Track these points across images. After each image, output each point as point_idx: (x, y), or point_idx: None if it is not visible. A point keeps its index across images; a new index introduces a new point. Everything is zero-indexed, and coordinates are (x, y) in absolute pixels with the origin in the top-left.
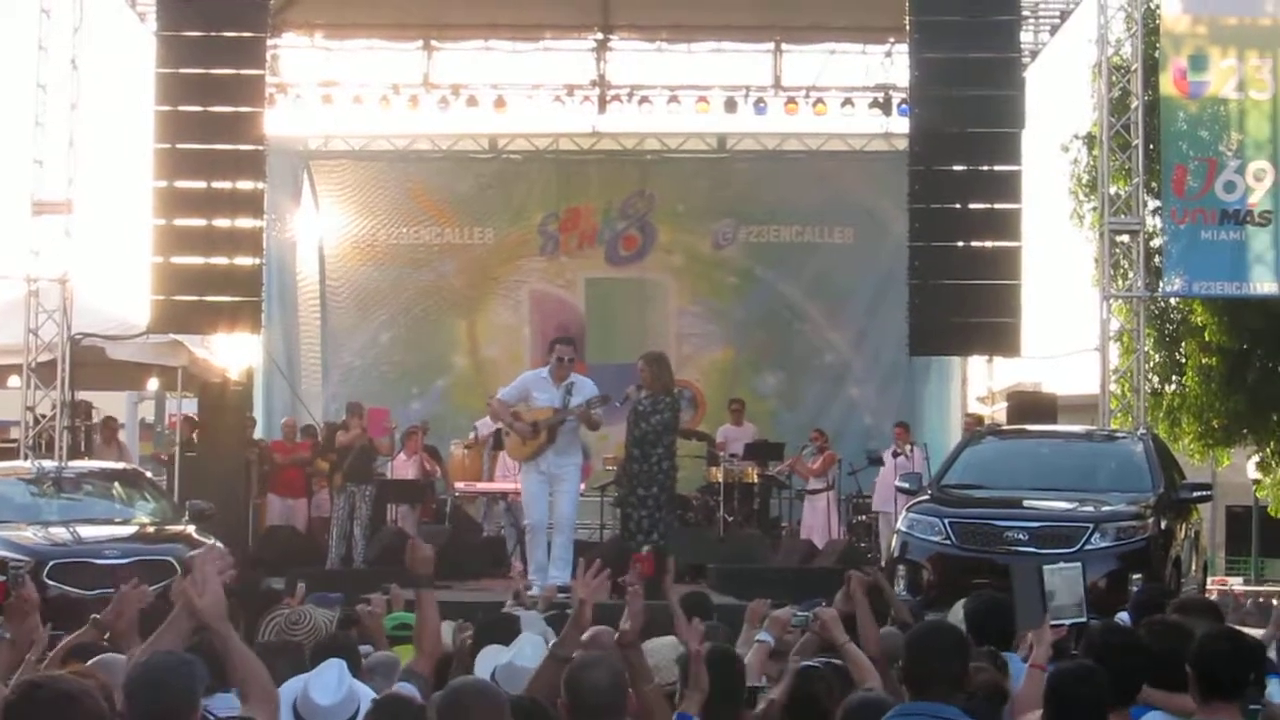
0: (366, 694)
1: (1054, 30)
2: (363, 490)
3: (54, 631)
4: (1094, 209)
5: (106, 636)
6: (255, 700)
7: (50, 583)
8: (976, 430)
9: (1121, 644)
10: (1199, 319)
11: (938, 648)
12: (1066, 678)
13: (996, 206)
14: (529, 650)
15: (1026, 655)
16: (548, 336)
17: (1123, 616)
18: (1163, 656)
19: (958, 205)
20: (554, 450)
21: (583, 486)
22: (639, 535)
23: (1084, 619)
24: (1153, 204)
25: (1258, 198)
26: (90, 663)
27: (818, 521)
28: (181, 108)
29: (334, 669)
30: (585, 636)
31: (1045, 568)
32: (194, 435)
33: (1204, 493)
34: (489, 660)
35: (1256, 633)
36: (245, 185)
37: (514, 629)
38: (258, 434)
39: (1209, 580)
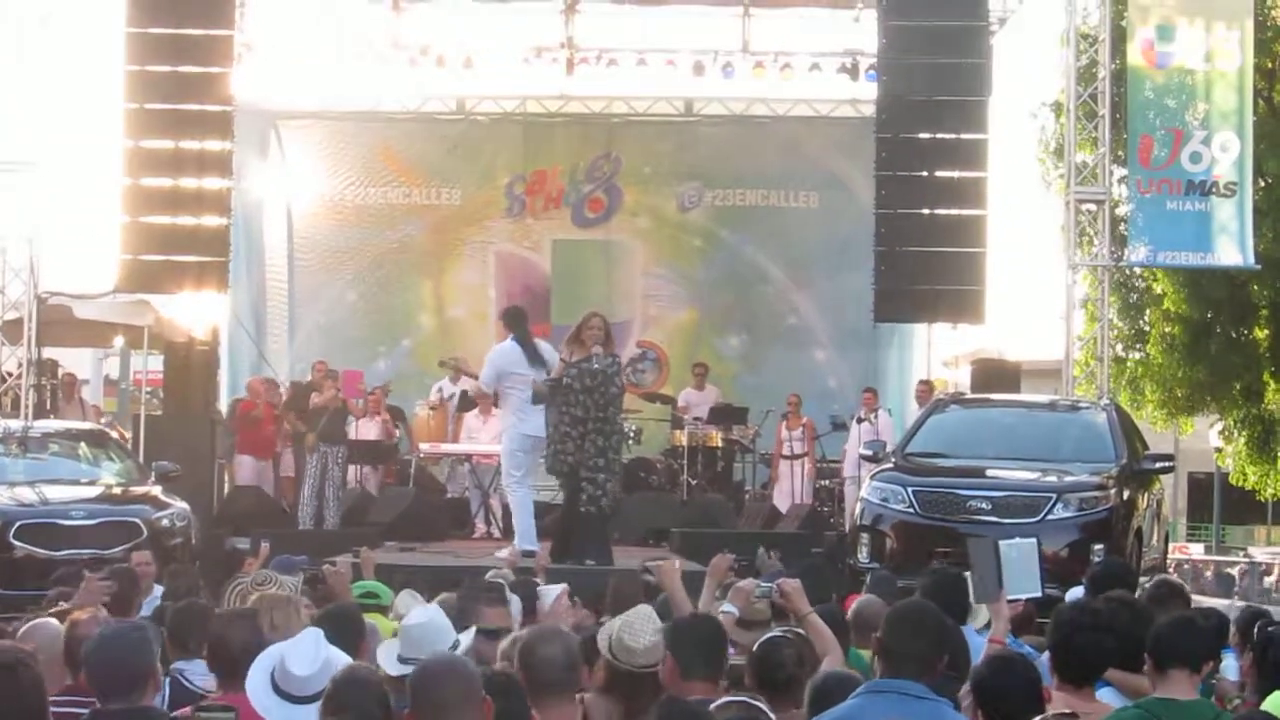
0: (345, 663)
1: None
2: (335, 451)
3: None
4: (1061, 176)
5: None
6: None
7: (16, 543)
8: (940, 399)
9: (1090, 625)
10: (1160, 288)
11: (919, 628)
12: (993, 668)
13: (962, 174)
14: (417, 611)
15: (980, 629)
16: (513, 297)
17: (1076, 591)
18: (1123, 636)
19: (924, 173)
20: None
21: None
22: (587, 499)
23: (1039, 594)
24: (1119, 173)
25: (1223, 169)
26: (21, 631)
27: (798, 486)
28: (150, 67)
29: (310, 637)
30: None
31: (1001, 542)
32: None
33: (1166, 463)
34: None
35: (1217, 602)
36: (213, 145)
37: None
38: (227, 394)
39: (1170, 548)
